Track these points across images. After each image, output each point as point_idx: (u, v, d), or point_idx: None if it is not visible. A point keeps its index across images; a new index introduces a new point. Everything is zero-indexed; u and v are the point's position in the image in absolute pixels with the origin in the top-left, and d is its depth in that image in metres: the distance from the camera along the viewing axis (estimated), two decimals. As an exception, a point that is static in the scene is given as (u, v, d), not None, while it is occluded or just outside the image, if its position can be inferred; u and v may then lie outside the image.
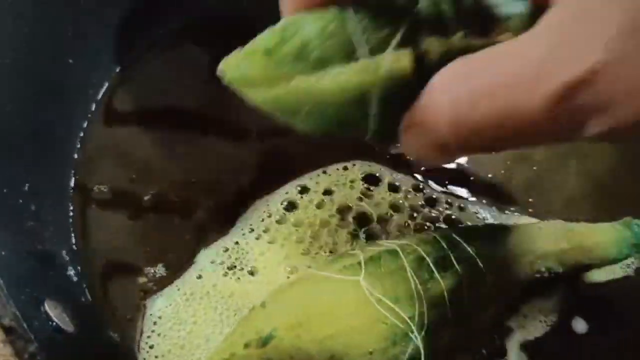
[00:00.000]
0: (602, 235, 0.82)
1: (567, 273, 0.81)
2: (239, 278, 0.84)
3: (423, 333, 0.71)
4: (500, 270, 0.76)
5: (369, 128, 0.75)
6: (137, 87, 0.99)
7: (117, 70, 0.99)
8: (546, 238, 0.80)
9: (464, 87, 0.50)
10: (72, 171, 0.90)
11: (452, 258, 0.74)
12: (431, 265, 0.73)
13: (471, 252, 0.75)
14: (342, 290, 0.72)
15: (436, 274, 0.72)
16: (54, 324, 0.70)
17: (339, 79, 0.71)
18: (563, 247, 0.80)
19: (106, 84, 0.98)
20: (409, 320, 0.70)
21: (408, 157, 0.60)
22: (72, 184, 0.89)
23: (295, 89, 0.73)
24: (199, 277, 0.83)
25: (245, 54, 0.77)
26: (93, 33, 0.96)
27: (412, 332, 0.71)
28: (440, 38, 0.71)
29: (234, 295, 0.83)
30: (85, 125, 0.94)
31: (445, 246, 0.75)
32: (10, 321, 0.64)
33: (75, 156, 0.91)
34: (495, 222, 0.91)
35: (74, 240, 0.85)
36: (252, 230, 0.88)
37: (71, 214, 0.87)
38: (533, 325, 0.83)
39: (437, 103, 0.51)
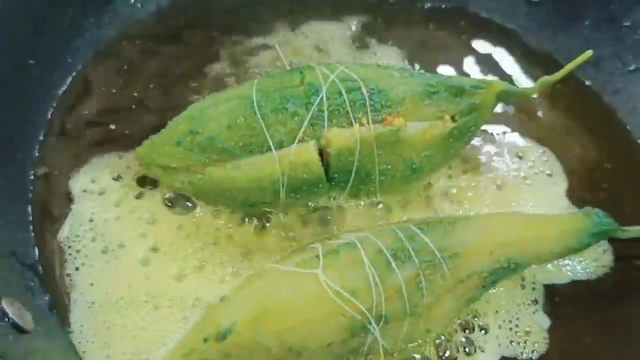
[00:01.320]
0: (562, 225, 0.83)
1: (528, 263, 0.82)
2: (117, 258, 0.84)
3: (381, 324, 0.72)
4: (459, 260, 0.77)
5: (280, 207, 0.85)
6: (97, 86, 0.99)
7: (78, 68, 0.99)
8: (505, 228, 0.81)
9: None
10: (32, 172, 0.89)
11: (410, 250, 0.74)
12: (389, 257, 0.73)
13: (429, 243, 0.75)
14: (301, 283, 0.72)
15: (394, 266, 0.73)
16: (10, 320, 0.70)
17: (249, 170, 0.80)
18: (523, 236, 0.81)
19: (67, 83, 0.97)
20: (367, 312, 0.71)
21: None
22: (30, 185, 0.88)
23: (209, 177, 0.81)
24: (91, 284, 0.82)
25: (158, 144, 0.84)
26: (52, 33, 0.95)
27: (370, 323, 0.71)
28: (342, 128, 0.80)
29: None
30: (46, 125, 0.93)
31: (403, 238, 0.75)
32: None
33: (37, 154, 0.90)
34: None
35: (33, 240, 0.84)
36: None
37: (30, 211, 0.86)
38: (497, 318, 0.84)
39: None
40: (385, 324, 0.72)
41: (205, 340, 0.71)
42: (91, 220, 0.85)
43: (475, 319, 0.83)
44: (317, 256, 0.73)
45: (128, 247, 0.84)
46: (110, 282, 0.81)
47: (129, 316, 0.79)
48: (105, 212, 0.86)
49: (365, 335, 0.72)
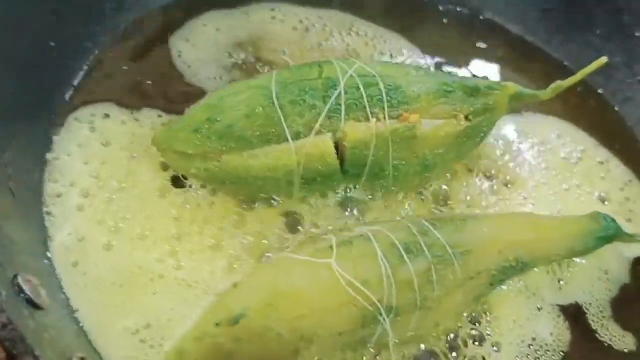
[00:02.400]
0: (569, 227, 0.85)
1: (535, 264, 0.84)
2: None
3: (392, 316, 0.73)
4: (470, 257, 0.78)
5: (293, 195, 0.86)
6: (114, 69, 1.00)
7: (96, 52, 1.00)
8: (514, 227, 0.83)
9: None
10: (49, 147, 0.89)
11: (422, 244, 0.75)
12: (401, 250, 0.74)
13: (441, 239, 0.77)
14: (314, 272, 0.73)
15: (406, 259, 0.74)
16: (26, 296, 0.71)
17: (265, 159, 0.81)
18: (531, 237, 0.82)
19: (85, 67, 0.98)
20: (377, 303, 0.72)
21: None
22: (47, 162, 0.88)
23: (226, 165, 0.82)
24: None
25: (176, 130, 0.84)
26: (73, 17, 0.96)
27: (381, 314, 0.72)
28: (358, 122, 0.81)
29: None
30: (63, 105, 0.93)
31: (415, 233, 0.76)
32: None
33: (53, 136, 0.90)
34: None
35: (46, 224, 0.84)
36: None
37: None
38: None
39: None
40: (395, 315, 0.74)
41: (217, 324, 0.72)
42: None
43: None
44: (331, 246, 0.74)
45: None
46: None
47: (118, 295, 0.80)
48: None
49: (375, 326, 0.73)
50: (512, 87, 0.90)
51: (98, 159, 0.88)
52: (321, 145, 0.81)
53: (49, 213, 0.84)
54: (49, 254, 0.81)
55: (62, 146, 0.89)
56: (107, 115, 0.92)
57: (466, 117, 0.87)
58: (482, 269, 0.79)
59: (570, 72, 0.91)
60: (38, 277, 0.74)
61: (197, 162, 0.83)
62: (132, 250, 0.82)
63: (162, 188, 0.87)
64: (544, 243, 0.83)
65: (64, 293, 0.79)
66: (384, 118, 0.82)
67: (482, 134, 0.91)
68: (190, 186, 0.87)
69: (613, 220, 0.86)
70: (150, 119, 0.93)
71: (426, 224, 0.78)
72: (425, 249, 0.75)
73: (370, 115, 0.82)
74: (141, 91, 0.97)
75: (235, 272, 0.82)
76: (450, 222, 0.80)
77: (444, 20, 1.14)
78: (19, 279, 0.71)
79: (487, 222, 0.82)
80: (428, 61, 1.07)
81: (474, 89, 0.87)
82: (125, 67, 1.00)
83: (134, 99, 0.95)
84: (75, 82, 0.96)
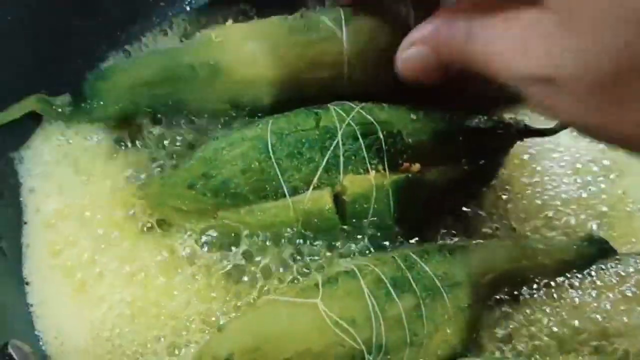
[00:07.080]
0: (561, 253, 0.84)
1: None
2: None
3: (381, 355, 0.72)
4: (460, 290, 0.76)
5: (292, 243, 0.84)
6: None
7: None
8: (504, 256, 0.81)
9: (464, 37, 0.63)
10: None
11: (410, 278, 0.75)
12: (389, 286, 0.74)
13: (429, 271, 0.76)
14: (300, 313, 0.72)
15: (394, 295, 0.73)
16: (17, 368, 0.72)
17: (263, 216, 0.81)
18: (522, 265, 0.81)
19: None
20: (361, 344, 0.71)
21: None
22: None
23: (221, 223, 0.82)
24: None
25: (170, 185, 0.85)
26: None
27: (370, 353, 0.71)
28: (357, 174, 0.81)
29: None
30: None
31: (402, 266, 0.76)
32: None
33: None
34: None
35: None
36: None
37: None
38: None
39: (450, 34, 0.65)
40: (385, 354, 0.72)
41: (202, 371, 0.73)
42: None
43: None
44: (316, 284, 0.74)
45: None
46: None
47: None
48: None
49: (365, 365, 0.74)
50: (516, 125, 0.88)
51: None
52: (320, 200, 0.80)
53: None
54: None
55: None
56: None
57: (471, 161, 0.85)
58: (474, 300, 0.77)
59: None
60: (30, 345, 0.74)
61: (192, 218, 0.84)
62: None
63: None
64: (536, 269, 0.82)
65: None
66: (384, 169, 0.81)
67: (488, 177, 0.90)
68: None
69: (607, 242, 0.86)
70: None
71: (413, 256, 0.77)
72: (413, 283, 0.74)
73: (369, 166, 0.81)
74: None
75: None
76: (438, 253, 0.79)
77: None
78: (10, 349, 0.71)
79: (476, 251, 0.80)
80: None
81: (476, 130, 0.87)
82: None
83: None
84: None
